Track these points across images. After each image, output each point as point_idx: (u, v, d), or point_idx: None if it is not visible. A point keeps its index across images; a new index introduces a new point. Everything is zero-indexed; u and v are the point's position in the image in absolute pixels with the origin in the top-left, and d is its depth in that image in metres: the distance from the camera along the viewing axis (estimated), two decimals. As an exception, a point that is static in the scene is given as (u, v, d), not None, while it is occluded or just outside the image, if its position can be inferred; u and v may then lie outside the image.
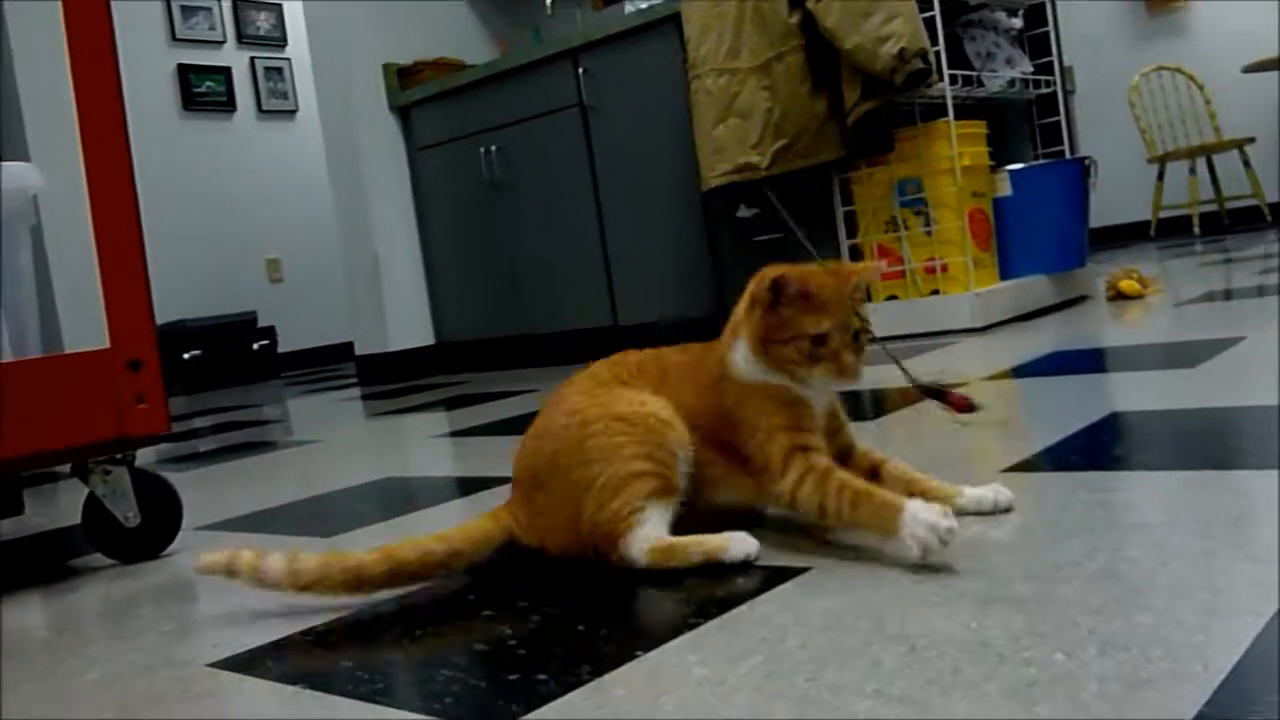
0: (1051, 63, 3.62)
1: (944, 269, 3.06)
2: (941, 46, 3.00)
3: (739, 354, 1.13)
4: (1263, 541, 0.91)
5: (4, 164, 1.64)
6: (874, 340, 1.15)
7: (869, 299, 1.18)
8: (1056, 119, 3.61)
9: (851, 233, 3.22)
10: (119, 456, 1.50)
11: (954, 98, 3.08)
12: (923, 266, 3.09)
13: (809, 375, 1.09)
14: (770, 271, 1.09)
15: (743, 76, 3.06)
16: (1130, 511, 1.05)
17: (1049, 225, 3.26)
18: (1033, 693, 0.69)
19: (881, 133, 3.04)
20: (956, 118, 3.04)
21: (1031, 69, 3.57)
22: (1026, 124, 3.70)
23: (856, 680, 0.75)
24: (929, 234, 3.08)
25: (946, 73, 3.03)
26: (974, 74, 3.28)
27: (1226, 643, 0.72)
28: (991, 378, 2.11)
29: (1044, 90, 3.59)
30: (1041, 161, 3.48)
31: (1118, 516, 1.04)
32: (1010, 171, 3.22)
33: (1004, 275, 3.23)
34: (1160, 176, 6.34)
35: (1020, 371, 2.14)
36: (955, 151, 3.01)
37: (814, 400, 1.12)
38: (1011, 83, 3.46)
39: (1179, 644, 0.73)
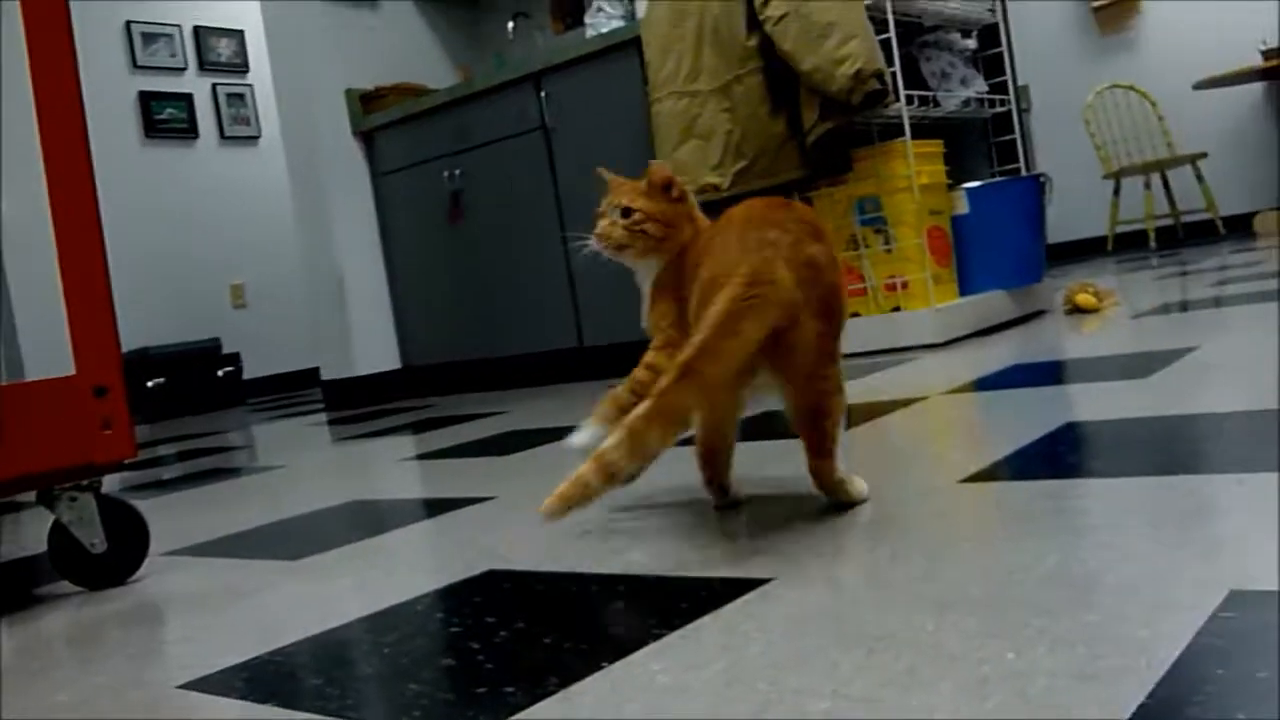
0: (1006, 82, 3.69)
1: (904, 286, 3.11)
2: (898, 67, 3.05)
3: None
4: (1208, 541, 0.94)
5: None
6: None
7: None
8: (1012, 137, 3.68)
9: (813, 251, 3.25)
10: (85, 483, 1.50)
11: (911, 117, 3.13)
12: (884, 284, 3.14)
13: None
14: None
15: (703, 99, 3.10)
16: (1082, 516, 1.08)
17: (1006, 241, 3.31)
18: (985, 689, 0.71)
19: (840, 153, 3.08)
20: (914, 137, 3.09)
21: (986, 88, 3.63)
22: (983, 142, 3.76)
23: (815, 683, 0.77)
24: (889, 251, 3.12)
25: (903, 93, 3.08)
26: (930, 94, 3.34)
27: (1170, 638, 0.75)
28: (952, 391, 2.14)
29: (999, 109, 3.66)
30: (998, 179, 3.54)
31: (1070, 521, 1.07)
32: (967, 189, 3.27)
33: (963, 291, 3.28)
34: (1116, 192, 6.45)
35: (981, 385, 2.18)
36: (913, 170, 3.05)
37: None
38: (967, 102, 3.52)
39: (1124, 640, 0.75)
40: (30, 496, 1.64)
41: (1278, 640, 0.71)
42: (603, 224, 1.49)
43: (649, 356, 1.45)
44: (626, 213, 1.47)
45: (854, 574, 1.01)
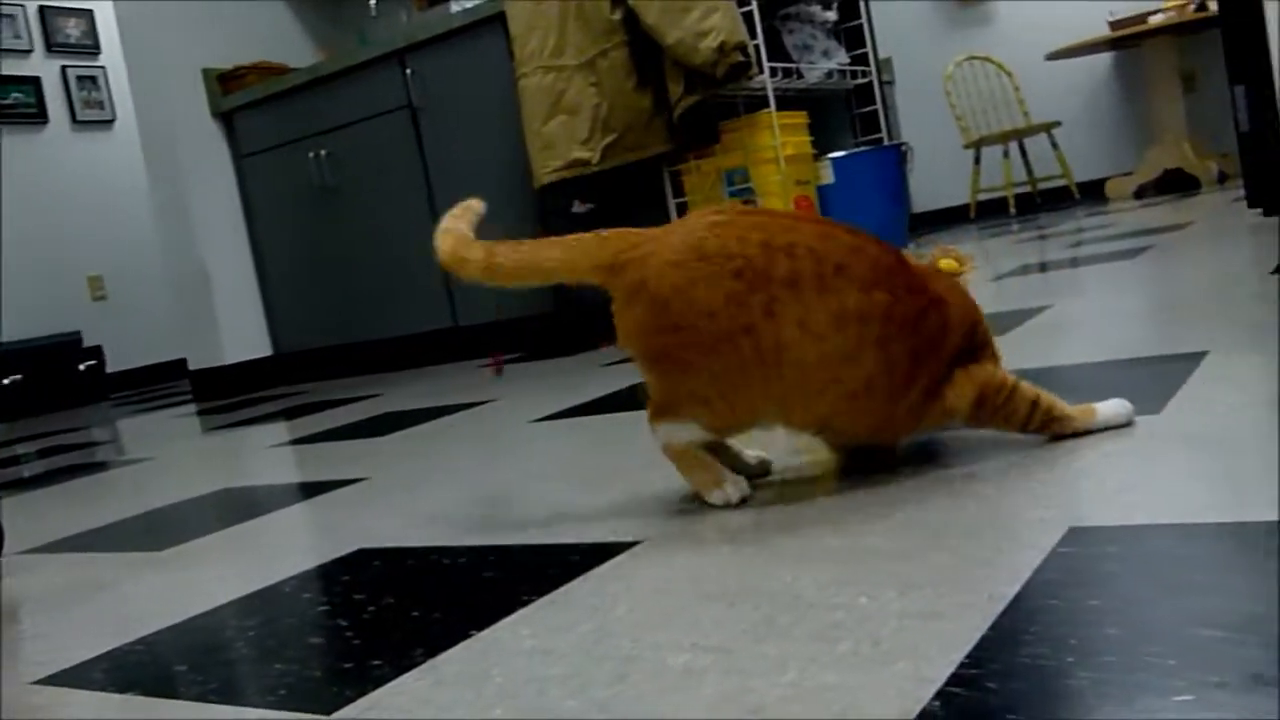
0: (867, 54, 3.77)
1: (774, 255, 3.16)
2: (760, 40, 3.09)
3: None
4: (1049, 483, 0.99)
5: None
6: None
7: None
8: (874, 108, 3.76)
9: (684, 224, 3.29)
10: (-71, 481, 1.43)
11: (775, 89, 3.18)
12: (754, 254, 3.18)
13: None
14: None
15: (569, 74, 3.10)
16: (934, 466, 1.12)
17: (870, 209, 3.39)
18: (837, 633, 0.73)
19: (707, 125, 3.12)
20: (778, 109, 3.14)
21: (848, 60, 3.71)
22: (846, 113, 3.84)
23: (677, 637, 0.78)
24: (758, 222, 3.17)
25: (766, 65, 3.12)
26: (793, 66, 3.39)
27: (1011, 573, 0.78)
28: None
29: (861, 80, 3.73)
30: (861, 149, 3.62)
31: (922, 470, 1.11)
32: (832, 159, 3.34)
33: (831, 259, 3.35)
34: (977, 160, 6.65)
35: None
36: (778, 141, 3.10)
37: None
38: (830, 74, 3.59)
39: (969, 579, 0.79)
40: None
41: (1110, 571, 0.75)
42: None
43: None
44: None
45: (717, 534, 1.03)
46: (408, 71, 3.70)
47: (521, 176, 3.46)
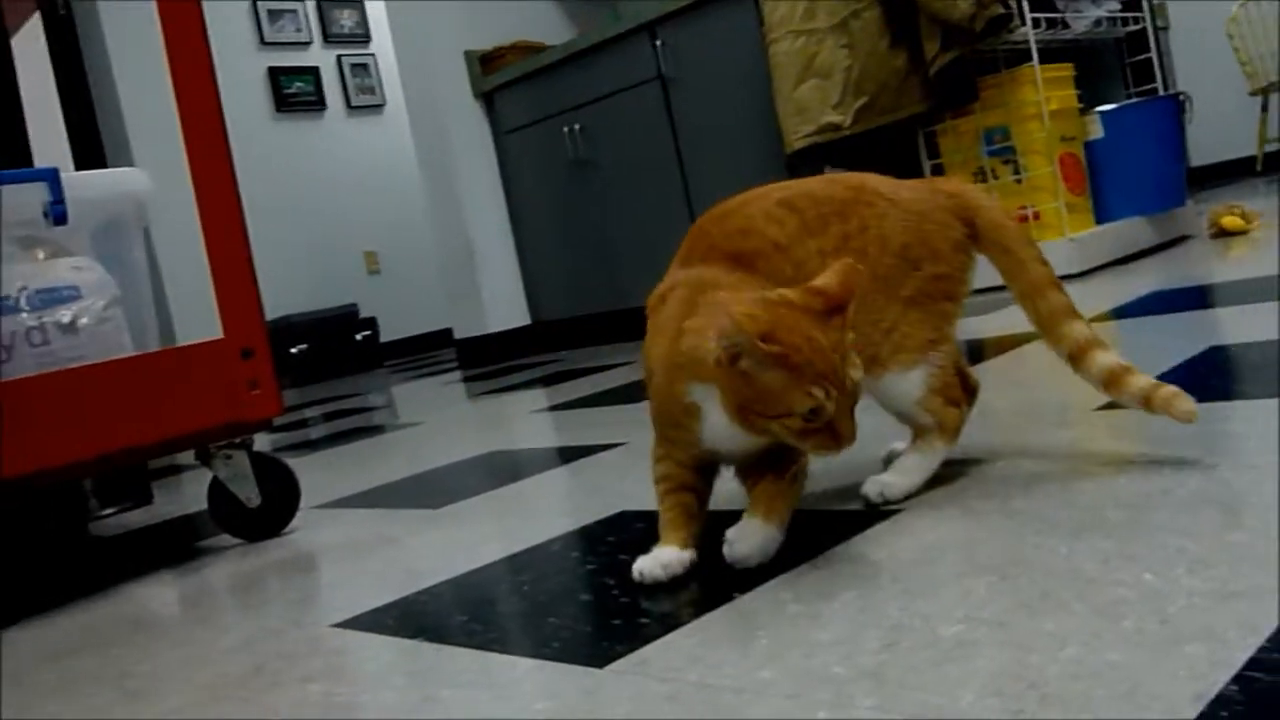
0: (1139, -2, 3.52)
1: (1036, 216, 3.02)
2: (1022, -10, 2.94)
3: (711, 400, 0.94)
4: (1361, 459, 0.90)
5: (116, 170, 1.73)
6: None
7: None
8: (1148, 56, 3.52)
9: (939, 186, 3.18)
10: (238, 441, 1.58)
11: (1038, 41, 3.02)
12: (1015, 215, 3.05)
13: (799, 445, 0.92)
14: (734, 321, 0.86)
15: (820, 36, 3.05)
16: (1226, 439, 1.05)
17: (1145, 165, 3.18)
18: (1120, 610, 0.70)
19: (965, 83, 3.00)
20: (1042, 61, 2.99)
21: (1119, 6, 3.47)
22: (1117, 63, 3.61)
23: (947, 608, 0.77)
24: (1019, 182, 3.03)
25: (1029, 16, 2.97)
26: (1058, 16, 3.21)
27: (1318, 555, 0.72)
28: (1090, 321, 2.08)
29: (1133, 27, 3.50)
30: (1134, 101, 3.40)
31: (1213, 444, 1.04)
32: (1101, 113, 3.15)
33: (1100, 219, 3.17)
34: (1264, 109, 6.11)
35: (1120, 313, 2.11)
36: (1042, 96, 2.95)
37: (725, 439, 0.96)
38: (1098, 22, 3.37)
39: (1271, 558, 0.73)
40: (188, 459, 1.74)
41: None
42: (845, 425, 0.90)
43: None
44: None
45: (986, 502, 1.00)
46: (658, 43, 3.74)
47: (771, 144, 3.44)
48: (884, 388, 1.07)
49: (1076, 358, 1.07)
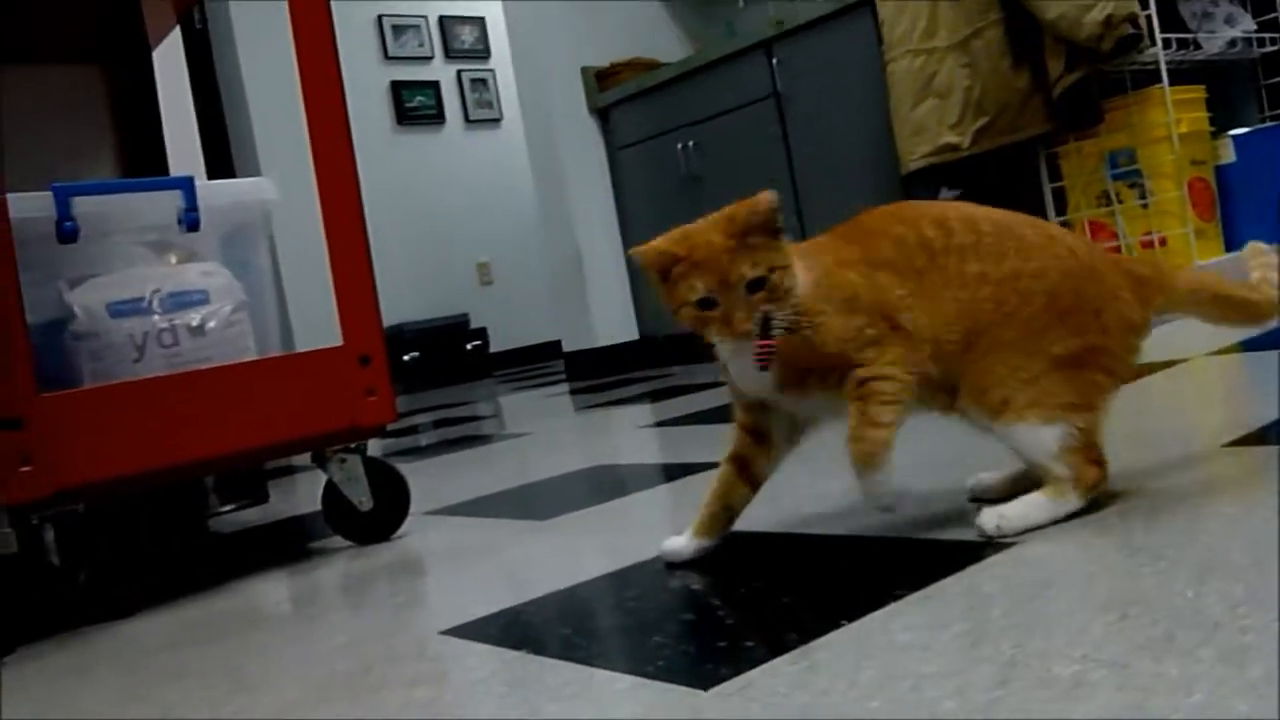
0: (1278, 18, 3.39)
1: (1162, 242, 2.92)
2: (1153, 9, 2.86)
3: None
4: None
5: (245, 179, 1.79)
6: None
7: (778, 235, 1.07)
8: (1286, 78, 3.38)
9: (1060, 209, 3.11)
10: (353, 446, 1.62)
11: (1168, 62, 2.93)
12: (1139, 241, 2.96)
13: (711, 339, 1.07)
14: (638, 250, 1.09)
15: (940, 55, 3.01)
16: (1366, 482, 1.00)
17: (1278, 191, 3.06)
18: (1247, 657, 0.67)
19: (1090, 104, 2.92)
20: (1172, 83, 2.90)
21: (1255, 27, 3.35)
22: (1252, 86, 3.48)
23: (1062, 646, 0.74)
24: (1145, 207, 2.94)
25: (1159, 36, 2.88)
26: (1190, 36, 3.11)
27: None
28: (1217, 352, 2.01)
29: (1269, 49, 3.37)
30: (1269, 124, 3.27)
31: (1351, 487, 0.99)
32: (1234, 136, 3.04)
33: (1230, 247, 3.05)
34: None
35: (1249, 345, 2.03)
36: (1172, 118, 2.86)
37: (735, 374, 1.11)
38: (1233, 43, 3.26)
39: None
40: (303, 460, 1.78)
41: None
42: (737, 314, 1.03)
43: None
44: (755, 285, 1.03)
45: (1105, 538, 0.97)
46: (774, 60, 3.73)
47: (887, 163, 3.40)
48: (1015, 435, 1.05)
49: None
